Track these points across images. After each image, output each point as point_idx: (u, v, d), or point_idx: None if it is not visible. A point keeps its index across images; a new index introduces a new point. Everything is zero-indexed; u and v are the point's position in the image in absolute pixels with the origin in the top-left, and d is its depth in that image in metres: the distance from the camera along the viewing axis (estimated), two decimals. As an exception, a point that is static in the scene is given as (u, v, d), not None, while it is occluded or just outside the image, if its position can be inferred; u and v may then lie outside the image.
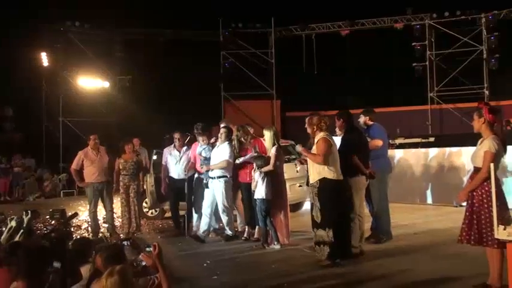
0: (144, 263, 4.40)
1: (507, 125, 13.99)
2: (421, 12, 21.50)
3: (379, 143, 7.99)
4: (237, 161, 8.66)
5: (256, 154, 8.34)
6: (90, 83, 20.75)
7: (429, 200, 12.02)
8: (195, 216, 9.33)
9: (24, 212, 7.51)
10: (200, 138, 9.07)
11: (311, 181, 6.82)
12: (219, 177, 8.63)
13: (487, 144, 5.15)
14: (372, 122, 8.31)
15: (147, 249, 4.58)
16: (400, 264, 6.68)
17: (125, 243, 4.68)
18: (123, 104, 20.48)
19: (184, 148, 9.65)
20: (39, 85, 20.47)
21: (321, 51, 22.09)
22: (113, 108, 20.70)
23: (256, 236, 8.47)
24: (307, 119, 7.01)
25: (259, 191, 7.88)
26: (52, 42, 20.44)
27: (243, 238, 8.62)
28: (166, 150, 9.86)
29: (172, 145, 9.78)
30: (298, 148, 7.22)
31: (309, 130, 6.98)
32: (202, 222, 8.85)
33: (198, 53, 20.97)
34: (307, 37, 22.48)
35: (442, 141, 14.40)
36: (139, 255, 4.68)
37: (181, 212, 9.72)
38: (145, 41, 21.36)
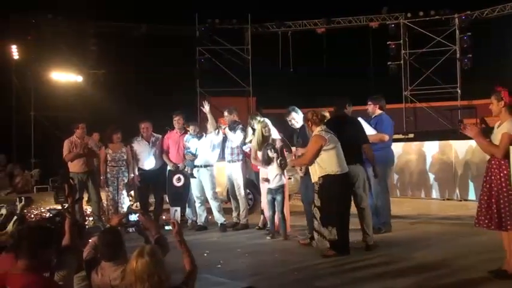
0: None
1: (481, 124, 14.15)
2: (396, 11, 21.66)
3: (385, 137, 7.69)
4: (245, 148, 8.67)
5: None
6: (63, 77, 20.15)
7: (422, 194, 11.96)
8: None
9: (17, 199, 7.20)
10: (191, 128, 8.92)
11: (313, 180, 6.65)
12: (205, 166, 8.64)
13: (506, 126, 5.09)
14: (380, 111, 7.90)
15: (166, 227, 4.41)
16: (407, 253, 6.58)
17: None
18: (97, 98, 19.92)
19: (153, 138, 9.37)
20: (9, 79, 19.79)
21: (297, 48, 22.00)
22: (86, 103, 20.11)
23: (260, 224, 8.50)
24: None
25: (278, 180, 7.80)
26: (23, 34, 19.76)
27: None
28: (135, 141, 9.39)
29: (140, 136, 9.40)
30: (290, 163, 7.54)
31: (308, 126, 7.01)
32: (199, 212, 8.78)
33: (174, 48, 20.52)
34: (284, 34, 22.39)
35: (421, 138, 14.53)
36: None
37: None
38: (120, 34, 20.86)
